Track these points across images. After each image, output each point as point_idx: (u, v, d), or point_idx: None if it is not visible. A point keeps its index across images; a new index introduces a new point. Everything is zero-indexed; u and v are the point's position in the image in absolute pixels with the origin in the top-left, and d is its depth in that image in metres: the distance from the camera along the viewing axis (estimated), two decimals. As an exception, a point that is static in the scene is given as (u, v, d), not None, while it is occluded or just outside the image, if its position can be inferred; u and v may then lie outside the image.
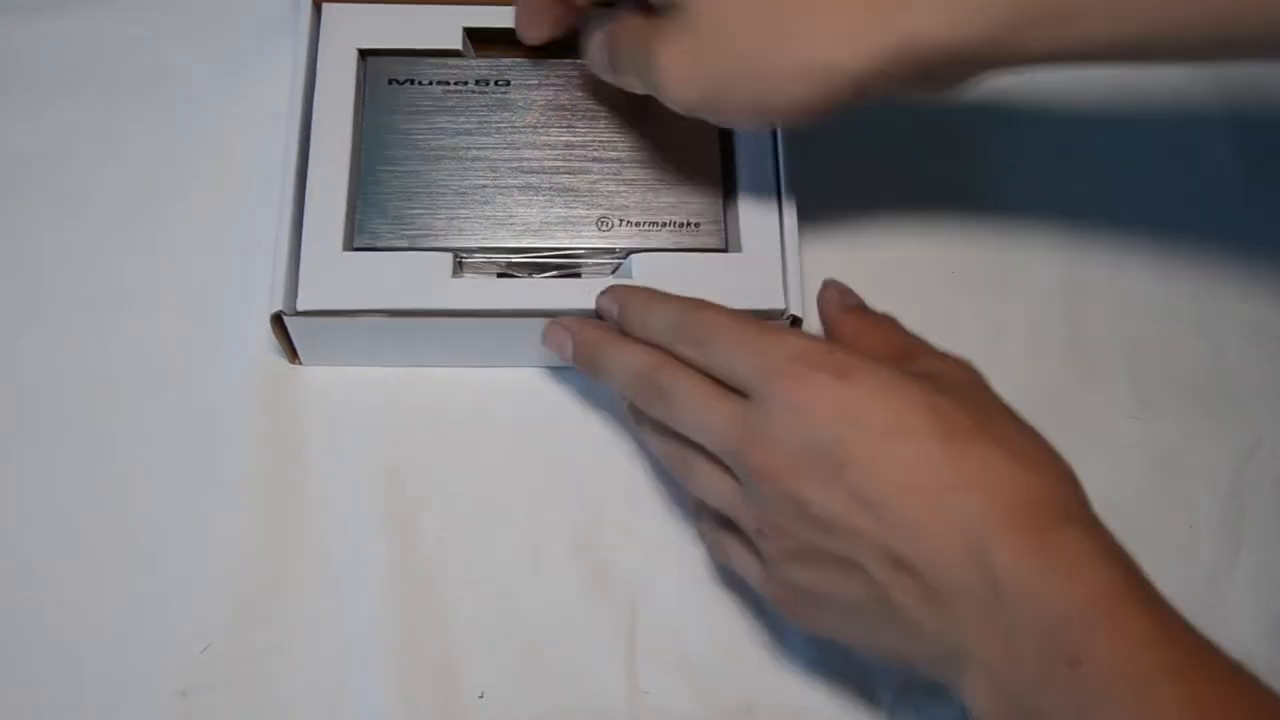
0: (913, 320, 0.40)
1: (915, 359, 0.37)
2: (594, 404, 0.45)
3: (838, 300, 0.40)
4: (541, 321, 0.42)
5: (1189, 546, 0.44)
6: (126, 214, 0.47)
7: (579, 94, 0.46)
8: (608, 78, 0.41)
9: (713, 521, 0.39)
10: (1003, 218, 0.49)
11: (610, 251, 0.44)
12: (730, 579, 0.43)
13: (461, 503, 0.43)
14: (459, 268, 0.43)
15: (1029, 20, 0.34)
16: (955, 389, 0.34)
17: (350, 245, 0.43)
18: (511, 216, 0.44)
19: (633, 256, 0.43)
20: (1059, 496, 0.33)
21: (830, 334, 0.40)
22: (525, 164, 0.45)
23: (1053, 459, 0.34)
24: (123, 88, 0.49)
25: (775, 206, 0.44)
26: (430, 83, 0.46)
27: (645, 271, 0.43)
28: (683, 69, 0.37)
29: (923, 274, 0.48)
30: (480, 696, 0.41)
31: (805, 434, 0.33)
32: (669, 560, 0.43)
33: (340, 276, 0.42)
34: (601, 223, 0.44)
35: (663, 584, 0.43)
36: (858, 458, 0.32)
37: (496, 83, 0.46)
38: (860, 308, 0.40)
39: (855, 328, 0.39)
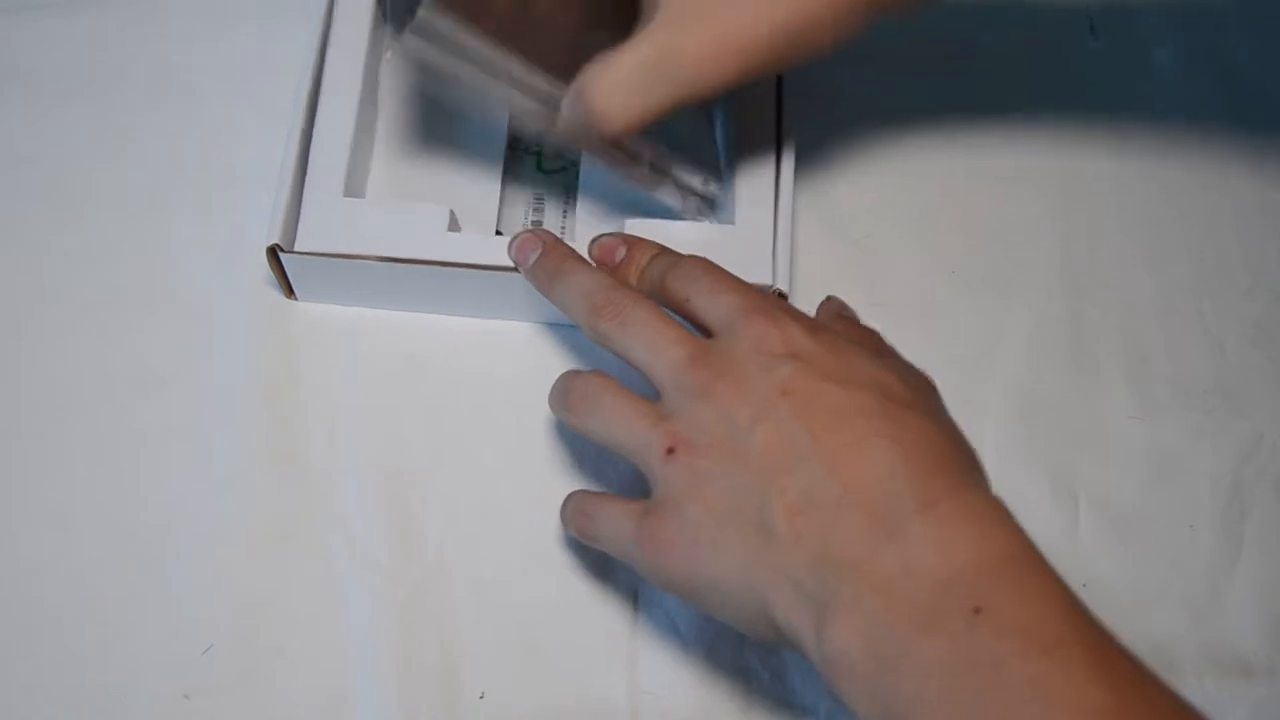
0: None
1: (885, 357, 0.38)
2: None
3: (833, 308, 0.42)
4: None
5: (1189, 546, 0.44)
6: (127, 214, 0.47)
7: None
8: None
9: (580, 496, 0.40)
10: (1003, 218, 0.50)
11: None
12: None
13: (462, 502, 0.43)
14: (455, 222, 0.44)
15: None
16: (909, 382, 0.36)
17: (351, 193, 0.44)
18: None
19: (626, 221, 0.44)
20: (979, 476, 0.34)
21: None
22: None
23: (974, 453, 0.35)
24: (123, 88, 0.49)
25: (773, 183, 0.44)
26: None
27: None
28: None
29: (923, 273, 0.48)
30: (481, 697, 0.41)
31: (760, 361, 0.35)
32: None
33: (340, 222, 0.43)
34: None
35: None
36: (800, 390, 0.34)
37: None
38: (852, 317, 0.41)
39: (842, 328, 0.40)
